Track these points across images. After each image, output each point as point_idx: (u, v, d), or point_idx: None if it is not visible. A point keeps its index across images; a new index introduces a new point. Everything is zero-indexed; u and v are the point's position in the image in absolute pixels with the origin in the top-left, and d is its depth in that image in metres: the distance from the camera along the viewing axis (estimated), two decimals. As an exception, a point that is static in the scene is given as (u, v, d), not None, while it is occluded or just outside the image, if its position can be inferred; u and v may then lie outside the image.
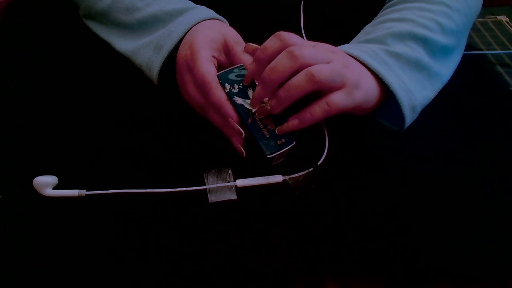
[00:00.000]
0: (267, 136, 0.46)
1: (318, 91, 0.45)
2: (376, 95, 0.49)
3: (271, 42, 0.45)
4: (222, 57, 0.49)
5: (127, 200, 0.47)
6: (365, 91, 0.47)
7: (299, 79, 0.44)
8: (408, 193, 0.49)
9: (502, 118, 0.56)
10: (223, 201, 0.48)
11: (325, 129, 0.49)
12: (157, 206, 0.48)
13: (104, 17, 0.57)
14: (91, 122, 0.52)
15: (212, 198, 0.48)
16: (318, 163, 0.48)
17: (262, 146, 0.45)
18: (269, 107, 0.45)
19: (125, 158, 0.50)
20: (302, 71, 0.44)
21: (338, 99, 0.45)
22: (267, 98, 0.46)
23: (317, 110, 0.45)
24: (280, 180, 0.48)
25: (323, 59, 0.45)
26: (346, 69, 0.46)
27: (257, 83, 0.47)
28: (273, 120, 0.47)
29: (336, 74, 0.44)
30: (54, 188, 0.47)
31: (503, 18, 0.97)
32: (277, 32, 0.46)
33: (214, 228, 0.50)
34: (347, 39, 0.56)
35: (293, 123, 0.45)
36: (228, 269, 0.51)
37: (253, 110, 0.47)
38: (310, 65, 0.44)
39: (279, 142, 0.46)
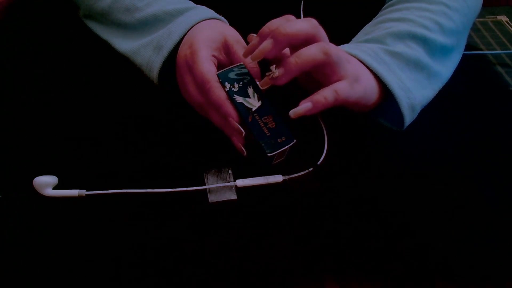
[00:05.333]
0: (268, 134, 0.46)
1: (316, 84, 0.45)
2: (375, 94, 0.49)
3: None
4: (222, 57, 0.49)
5: (127, 200, 0.47)
6: (365, 86, 0.47)
7: (311, 48, 0.43)
8: (408, 193, 0.49)
9: (502, 118, 0.56)
10: (223, 201, 0.48)
11: (324, 129, 0.49)
12: (157, 206, 0.48)
13: (104, 17, 0.57)
14: (91, 122, 0.52)
15: (212, 198, 0.48)
16: (318, 163, 0.48)
17: (263, 144, 0.45)
18: (276, 74, 0.44)
19: (125, 158, 0.50)
20: (313, 44, 0.44)
21: (344, 88, 0.45)
22: (274, 66, 0.45)
23: (329, 94, 0.44)
24: (280, 180, 0.48)
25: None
26: (347, 63, 0.46)
27: (258, 83, 0.47)
28: (273, 118, 0.47)
29: (342, 58, 0.45)
30: (54, 188, 0.47)
31: (503, 18, 0.97)
32: (286, 15, 0.46)
33: (214, 228, 0.50)
34: (347, 39, 0.56)
35: (306, 105, 0.44)
36: (228, 269, 0.51)
37: (253, 109, 0.46)
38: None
39: (279, 140, 0.46)
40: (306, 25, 0.44)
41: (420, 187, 0.49)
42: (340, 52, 0.45)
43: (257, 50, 0.44)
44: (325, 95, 0.44)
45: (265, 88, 0.46)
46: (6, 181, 0.48)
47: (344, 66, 0.45)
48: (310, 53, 0.43)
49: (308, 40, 0.44)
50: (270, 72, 0.45)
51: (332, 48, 0.44)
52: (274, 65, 0.44)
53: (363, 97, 0.47)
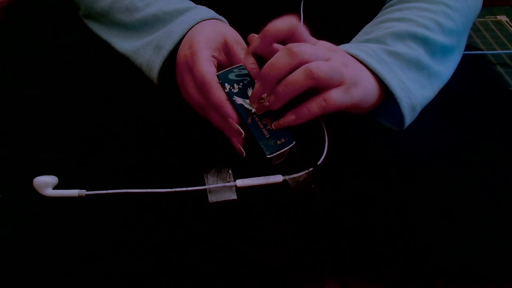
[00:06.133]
0: (267, 136, 0.46)
1: (317, 89, 0.45)
2: (375, 95, 0.49)
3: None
4: (222, 57, 0.49)
5: (127, 200, 0.47)
6: (364, 89, 0.47)
7: (297, 75, 0.44)
8: (408, 193, 0.49)
9: (502, 118, 0.56)
10: (223, 201, 0.48)
11: (324, 129, 0.49)
12: (157, 206, 0.48)
13: (104, 17, 0.57)
14: (91, 122, 0.52)
15: (212, 198, 0.48)
16: (318, 163, 0.48)
17: (262, 146, 0.45)
18: (267, 103, 0.45)
19: (125, 158, 0.50)
20: (300, 68, 0.44)
21: (336, 96, 0.45)
22: (266, 94, 0.46)
23: (314, 106, 0.45)
24: (280, 180, 0.48)
25: (322, 57, 0.45)
26: (345, 67, 0.46)
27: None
28: (273, 119, 0.47)
29: (335, 71, 0.44)
30: (54, 188, 0.47)
31: (503, 18, 0.97)
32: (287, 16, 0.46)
33: (214, 228, 0.50)
34: (347, 39, 0.56)
35: (289, 118, 0.45)
36: (228, 269, 0.51)
37: (253, 110, 0.47)
38: (309, 62, 0.44)
39: (279, 142, 0.46)
40: (286, 22, 0.45)
41: (420, 187, 0.49)
42: (332, 63, 0.45)
43: (252, 96, 0.47)
44: (309, 108, 0.45)
45: (261, 113, 0.47)
46: (6, 181, 0.48)
47: (340, 74, 0.45)
48: (297, 80, 0.44)
49: (291, 36, 0.46)
50: (263, 100, 0.46)
51: (320, 68, 0.44)
52: (266, 94, 0.46)
53: (361, 99, 0.47)
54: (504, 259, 0.50)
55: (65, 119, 0.52)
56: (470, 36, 0.77)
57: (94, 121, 0.52)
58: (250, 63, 0.48)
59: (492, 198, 0.49)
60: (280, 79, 0.44)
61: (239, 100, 0.47)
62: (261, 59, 0.48)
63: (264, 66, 0.44)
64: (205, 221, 0.49)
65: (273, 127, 0.46)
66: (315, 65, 0.44)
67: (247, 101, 0.47)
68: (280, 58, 0.44)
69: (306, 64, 0.44)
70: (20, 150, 0.50)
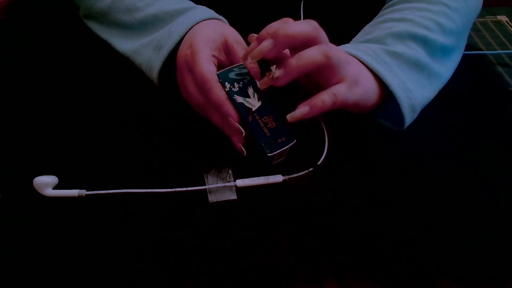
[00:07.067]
0: (268, 134, 0.46)
1: (316, 85, 0.45)
2: (375, 95, 0.49)
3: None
4: (222, 57, 0.50)
5: (127, 200, 0.47)
6: (364, 88, 0.47)
7: (312, 51, 0.43)
8: (408, 193, 0.49)
9: (502, 118, 0.56)
10: (223, 201, 0.48)
11: (324, 129, 0.49)
12: (157, 206, 0.48)
13: (104, 17, 0.57)
14: (91, 122, 0.52)
15: (212, 198, 0.48)
16: (318, 163, 0.48)
17: (263, 144, 0.45)
18: (277, 74, 0.43)
19: (125, 158, 0.50)
20: (314, 46, 0.43)
21: (342, 90, 0.45)
22: (274, 66, 0.44)
23: (327, 97, 0.44)
24: (280, 180, 0.48)
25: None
26: (347, 65, 0.46)
27: (257, 82, 0.47)
28: (274, 118, 0.47)
29: (342, 62, 0.45)
30: (54, 188, 0.47)
31: (503, 18, 0.97)
32: (284, 18, 0.46)
33: (214, 228, 0.50)
34: (347, 39, 0.56)
35: (304, 109, 0.44)
36: (228, 269, 0.51)
37: (253, 109, 0.47)
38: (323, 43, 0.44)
39: (279, 140, 0.46)
40: (307, 27, 0.43)
41: (420, 187, 0.49)
42: (341, 54, 0.45)
43: (256, 49, 0.43)
44: (323, 99, 0.44)
45: (264, 88, 0.45)
46: (6, 181, 0.48)
47: (344, 68, 0.45)
48: (311, 55, 0.43)
49: (308, 42, 0.44)
50: (270, 72, 0.44)
51: (333, 50, 0.44)
52: (275, 65, 0.44)
53: (362, 99, 0.47)
54: (504, 259, 0.50)
55: (65, 119, 0.52)
56: (470, 36, 0.77)
57: (94, 121, 0.52)
58: (250, 62, 0.48)
59: (492, 198, 0.49)
60: (292, 44, 0.43)
61: (239, 99, 0.47)
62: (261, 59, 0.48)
63: (283, 25, 0.43)
64: (205, 221, 0.49)
65: (288, 119, 0.44)
66: (329, 47, 0.44)
67: (248, 100, 0.47)
68: (302, 23, 0.43)
69: (320, 44, 0.44)
70: (20, 150, 0.50)
